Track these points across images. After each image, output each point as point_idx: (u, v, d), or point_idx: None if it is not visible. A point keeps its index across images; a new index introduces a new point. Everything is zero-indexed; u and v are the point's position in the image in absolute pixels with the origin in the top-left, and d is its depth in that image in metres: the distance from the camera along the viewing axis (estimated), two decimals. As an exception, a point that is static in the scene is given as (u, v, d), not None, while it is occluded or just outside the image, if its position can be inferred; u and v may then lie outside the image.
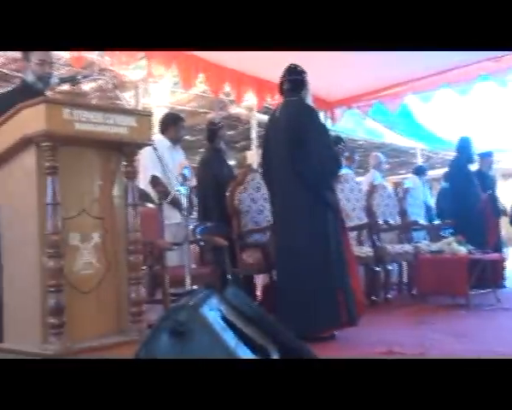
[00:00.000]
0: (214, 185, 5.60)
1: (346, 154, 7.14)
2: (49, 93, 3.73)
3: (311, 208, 4.37)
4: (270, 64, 5.78)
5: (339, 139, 6.59)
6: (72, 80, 4.12)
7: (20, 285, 2.88)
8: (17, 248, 2.91)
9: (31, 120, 2.71)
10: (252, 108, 10.25)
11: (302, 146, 4.36)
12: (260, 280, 5.95)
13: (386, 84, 8.06)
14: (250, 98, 9.05)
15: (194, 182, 5.24)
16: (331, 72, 7.06)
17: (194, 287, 3.66)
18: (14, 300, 2.94)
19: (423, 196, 8.38)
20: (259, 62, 7.05)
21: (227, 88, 8.68)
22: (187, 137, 13.30)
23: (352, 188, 6.69)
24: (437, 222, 8.13)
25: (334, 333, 4.38)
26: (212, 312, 2.22)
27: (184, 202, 4.01)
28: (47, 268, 2.68)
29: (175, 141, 5.51)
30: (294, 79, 4.61)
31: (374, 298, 6.24)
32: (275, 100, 8.87)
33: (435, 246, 6.58)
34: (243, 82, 8.64)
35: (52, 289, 2.66)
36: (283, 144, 4.46)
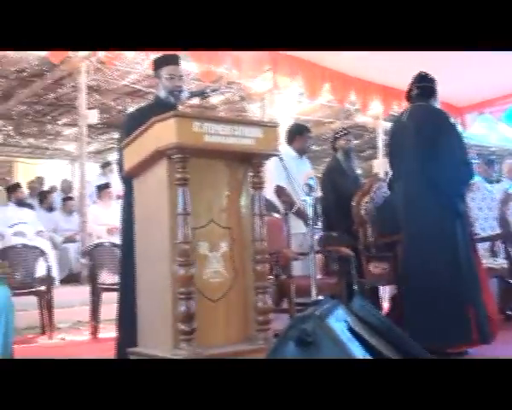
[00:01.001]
0: (337, 195, 5.55)
1: (479, 161, 6.84)
2: (180, 107, 3.87)
3: (441, 217, 4.21)
4: (396, 71, 5.68)
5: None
6: (202, 94, 4.25)
7: (152, 292, 3.00)
8: (150, 256, 3.04)
9: (163, 133, 2.83)
10: (378, 116, 10.12)
11: (434, 151, 4.20)
12: (387, 291, 5.83)
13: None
14: (376, 106, 8.93)
15: (319, 192, 5.22)
16: (462, 76, 6.83)
17: (320, 297, 3.64)
18: (147, 306, 3.07)
19: None
20: (385, 70, 6.94)
21: (352, 97, 8.63)
22: (313, 147, 13.34)
23: (484, 196, 6.41)
24: None
25: (467, 350, 4.19)
26: (339, 323, 2.21)
27: (310, 211, 4.01)
28: (178, 276, 2.77)
29: (301, 151, 5.53)
30: (424, 86, 4.48)
31: (509, 313, 5.92)
32: (402, 108, 8.70)
33: None
34: (369, 90, 8.56)
35: (182, 297, 2.75)
36: (413, 150, 4.32)
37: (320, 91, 8.29)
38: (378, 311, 2.79)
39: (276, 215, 4.94)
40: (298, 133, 5.59)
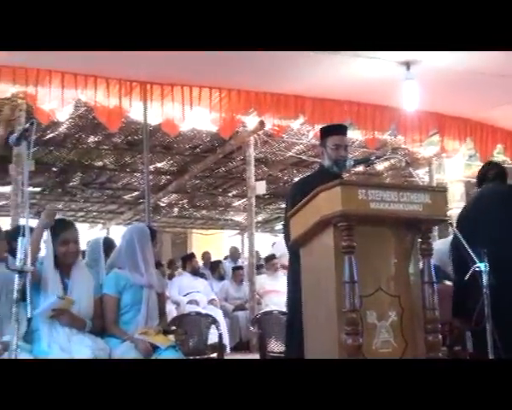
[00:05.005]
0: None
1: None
2: (344, 175, 3.88)
3: None
4: None
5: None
6: (366, 162, 4.25)
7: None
8: (317, 324, 3.02)
9: (328, 202, 2.85)
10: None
11: None
12: None
13: None
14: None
15: None
16: None
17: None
18: (315, 375, 3.04)
19: None
20: None
21: (528, 156, 8.20)
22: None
23: None
24: None
25: None
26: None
27: (485, 279, 3.79)
28: (345, 345, 2.73)
29: None
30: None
31: None
32: None
33: None
34: (547, 148, 8.10)
35: (351, 367, 2.69)
36: None
37: (492, 152, 7.97)
38: None
39: (448, 283, 4.73)
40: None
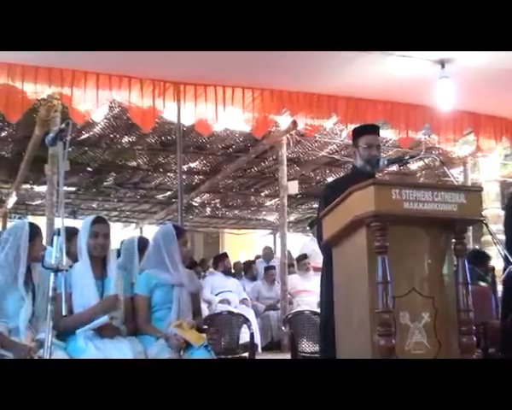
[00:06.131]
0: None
1: None
2: (378, 175, 3.85)
3: None
4: None
5: None
6: (400, 161, 4.22)
7: (353, 362, 2.96)
8: (350, 324, 3.01)
9: (361, 201, 2.83)
10: None
11: None
12: None
13: None
14: None
15: None
16: None
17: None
18: (347, 376, 3.02)
19: None
20: None
21: None
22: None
23: None
24: None
25: None
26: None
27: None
28: (378, 346, 2.71)
29: None
30: None
31: None
32: None
33: None
34: None
35: (383, 368, 2.67)
36: None
37: (530, 152, 7.85)
38: None
39: (482, 284, 4.67)
40: None
